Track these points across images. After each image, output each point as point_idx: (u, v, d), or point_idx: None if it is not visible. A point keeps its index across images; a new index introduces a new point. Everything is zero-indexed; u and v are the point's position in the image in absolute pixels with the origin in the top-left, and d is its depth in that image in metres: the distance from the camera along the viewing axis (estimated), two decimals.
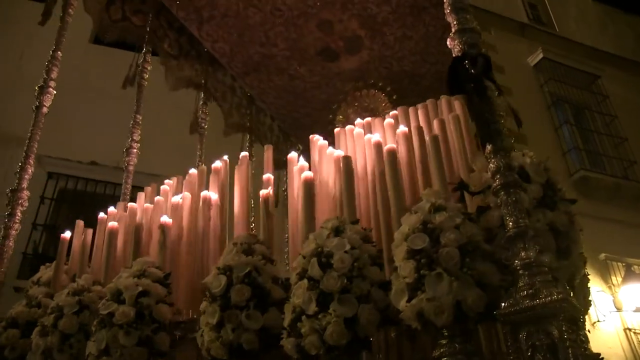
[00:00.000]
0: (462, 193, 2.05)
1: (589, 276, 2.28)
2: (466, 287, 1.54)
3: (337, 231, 1.82)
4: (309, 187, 2.16)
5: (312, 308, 1.67)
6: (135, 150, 3.35)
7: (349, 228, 1.85)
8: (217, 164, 2.78)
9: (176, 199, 2.64)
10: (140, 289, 2.06)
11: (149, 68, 3.67)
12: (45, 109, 2.85)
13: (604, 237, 6.88)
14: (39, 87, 2.86)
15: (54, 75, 2.92)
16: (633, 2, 11.81)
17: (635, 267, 7.32)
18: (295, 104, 4.86)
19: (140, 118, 3.45)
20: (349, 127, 2.70)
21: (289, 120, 5.06)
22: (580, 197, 7.78)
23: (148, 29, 3.83)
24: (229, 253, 1.97)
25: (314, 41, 4.34)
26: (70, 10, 3.15)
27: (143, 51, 3.72)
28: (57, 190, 6.29)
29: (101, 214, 2.80)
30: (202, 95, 4.33)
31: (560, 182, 2.11)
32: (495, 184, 1.71)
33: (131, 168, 3.30)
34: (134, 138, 3.35)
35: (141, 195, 3.01)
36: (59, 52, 3.02)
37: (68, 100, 6.50)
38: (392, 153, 2.07)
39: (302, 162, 2.40)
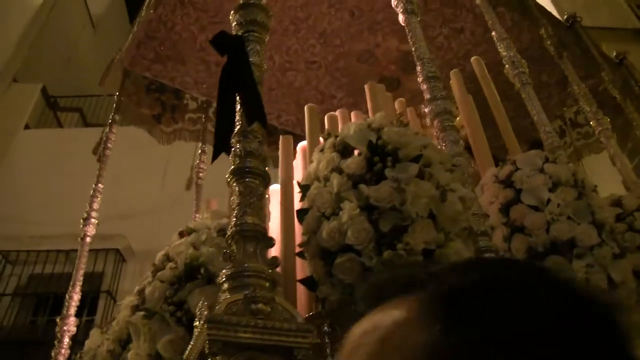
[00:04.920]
0: None
1: None
2: (162, 329, 1.15)
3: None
4: None
5: None
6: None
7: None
8: None
9: None
10: None
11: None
12: (88, 239, 2.87)
13: None
14: (83, 219, 2.92)
15: (95, 206, 2.97)
16: None
17: None
18: None
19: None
20: None
21: None
22: None
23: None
24: None
25: (367, 75, 4.05)
26: (109, 144, 3.36)
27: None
28: None
29: None
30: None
31: None
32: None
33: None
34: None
35: None
36: (100, 185, 3.07)
37: None
38: None
39: None
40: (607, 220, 1.69)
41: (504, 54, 2.74)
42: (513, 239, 1.80)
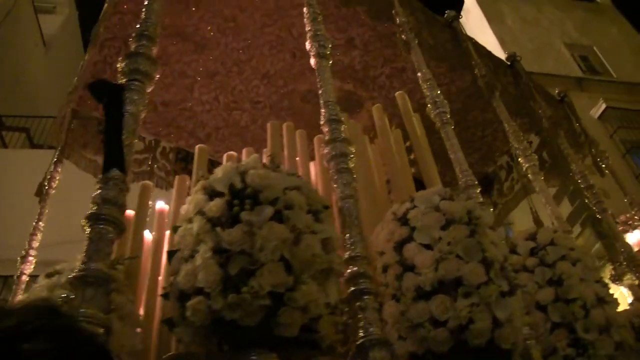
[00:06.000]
0: None
1: None
2: None
3: None
4: None
5: None
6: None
7: None
8: None
9: None
10: None
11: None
12: (25, 277, 2.82)
13: None
14: (20, 257, 2.88)
15: (34, 244, 2.93)
16: None
17: None
18: None
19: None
20: None
21: None
22: None
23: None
24: None
25: (312, 115, 4.13)
26: (53, 184, 3.26)
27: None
28: None
29: None
30: None
31: None
32: None
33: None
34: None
35: None
36: (41, 223, 3.01)
37: None
38: None
39: None
40: (497, 258, 1.71)
41: (427, 94, 2.82)
42: (404, 278, 1.81)
